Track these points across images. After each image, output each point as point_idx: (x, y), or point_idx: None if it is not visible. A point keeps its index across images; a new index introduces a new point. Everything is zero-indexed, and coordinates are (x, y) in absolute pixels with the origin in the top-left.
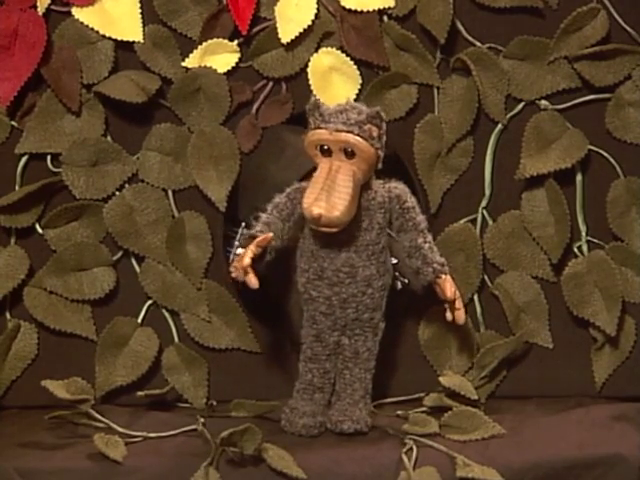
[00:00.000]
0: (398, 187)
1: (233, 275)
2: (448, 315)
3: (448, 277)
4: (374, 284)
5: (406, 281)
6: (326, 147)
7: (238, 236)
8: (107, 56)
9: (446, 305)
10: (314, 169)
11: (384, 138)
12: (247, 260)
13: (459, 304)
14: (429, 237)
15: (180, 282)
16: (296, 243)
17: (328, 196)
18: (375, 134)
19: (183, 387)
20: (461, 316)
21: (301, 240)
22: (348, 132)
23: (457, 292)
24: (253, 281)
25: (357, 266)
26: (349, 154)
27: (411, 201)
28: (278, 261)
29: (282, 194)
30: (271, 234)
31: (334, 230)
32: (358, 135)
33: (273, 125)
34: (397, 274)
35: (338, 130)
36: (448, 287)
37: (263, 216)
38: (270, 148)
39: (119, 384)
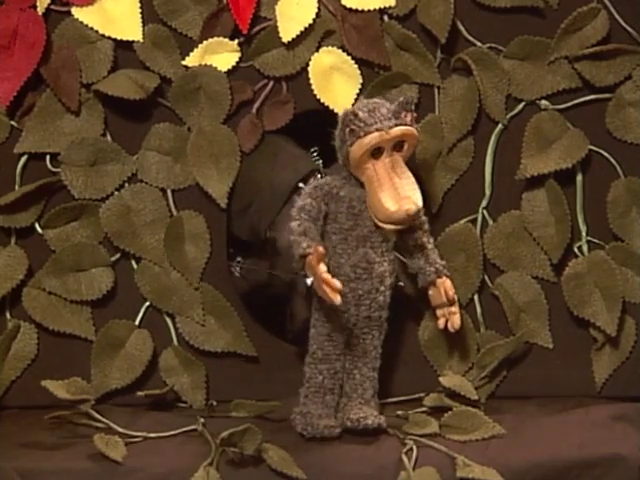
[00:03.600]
0: None
1: (336, 298)
2: (441, 322)
3: (448, 279)
4: (386, 281)
5: (401, 284)
6: (377, 149)
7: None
8: (107, 56)
9: (439, 312)
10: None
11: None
12: (326, 275)
13: (456, 308)
14: (431, 238)
15: (175, 284)
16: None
17: (404, 191)
18: (411, 118)
19: (182, 389)
20: (456, 321)
21: None
22: (397, 125)
23: (455, 295)
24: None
25: (373, 262)
26: (398, 147)
27: None
28: (281, 262)
29: (303, 196)
30: (321, 248)
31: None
32: (405, 125)
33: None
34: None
35: (391, 127)
36: (449, 287)
37: (294, 225)
38: (265, 152)
39: (114, 387)
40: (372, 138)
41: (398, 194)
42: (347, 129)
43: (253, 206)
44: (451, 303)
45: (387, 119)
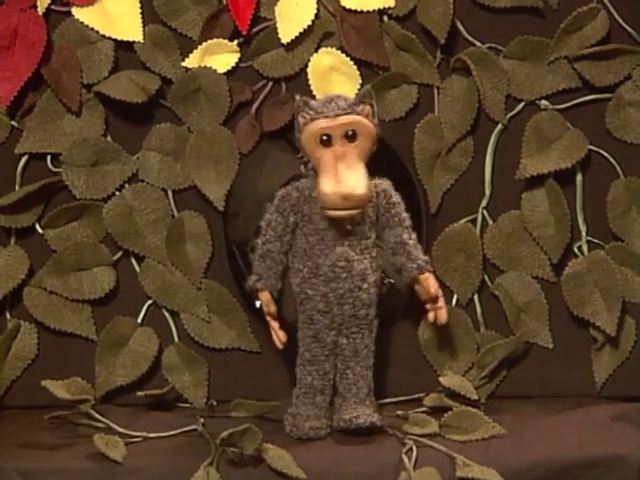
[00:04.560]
0: (384, 183)
1: (278, 345)
2: (430, 316)
3: (431, 275)
4: (369, 278)
5: (392, 281)
6: (326, 137)
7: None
8: (107, 56)
9: (427, 306)
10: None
11: (376, 116)
12: (282, 337)
13: (442, 302)
14: (413, 234)
15: (180, 282)
16: None
17: (345, 177)
18: (369, 112)
19: (183, 387)
20: (443, 315)
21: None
22: (347, 114)
23: (439, 290)
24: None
25: (352, 260)
26: (350, 137)
27: (396, 197)
28: None
29: (271, 209)
30: (274, 308)
31: (355, 213)
32: (357, 115)
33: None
34: (382, 275)
35: (337, 115)
36: (432, 283)
37: (259, 242)
38: (250, 159)
39: (119, 384)
40: (316, 124)
41: (338, 179)
42: (298, 117)
43: (241, 213)
44: (435, 299)
45: (340, 109)
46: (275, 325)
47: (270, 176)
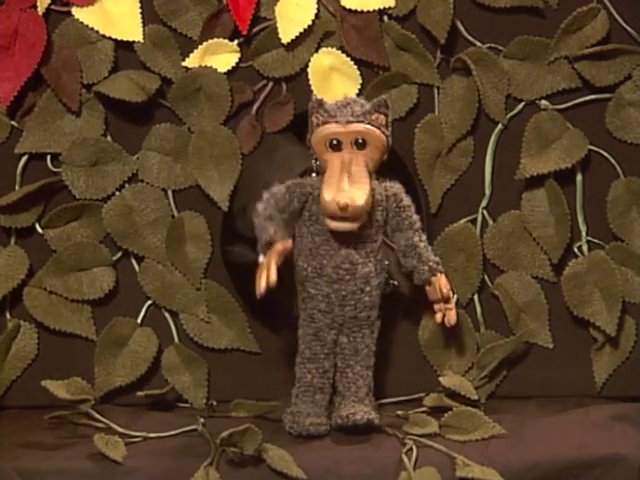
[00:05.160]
0: (394, 186)
1: (261, 286)
2: (438, 317)
3: (443, 275)
4: (372, 282)
5: (396, 283)
6: (336, 141)
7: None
8: (107, 56)
9: (436, 307)
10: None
11: (390, 126)
12: (274, 277)
13: (452, 304)
14: (424, 236)
15: (179, 282)
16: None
17: (349, 187)
18: (383, 122)
19: (183, 387)
20: (453, 316)
21: (297, 239)
22: (359, 122)
23: (451, 291)
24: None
25: (356, 263)
26: (360, 145)
27: (407, 200)
28: None
29: (281, 185)
30: (290, 242)
31: (354, 227)
32: (369, 124)
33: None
34: (387, 276)
35: (349, 122)
36: (444, 284)
37: (260, 207)
38: (261, 151)
39: (118, 384)
40: (327, 129)
41: (339, 187)
42: (312, 117)
43: (250, 205)
44: (446, 300)
45: (354, 116)
46: (273, 267)
47: (280, 169)
